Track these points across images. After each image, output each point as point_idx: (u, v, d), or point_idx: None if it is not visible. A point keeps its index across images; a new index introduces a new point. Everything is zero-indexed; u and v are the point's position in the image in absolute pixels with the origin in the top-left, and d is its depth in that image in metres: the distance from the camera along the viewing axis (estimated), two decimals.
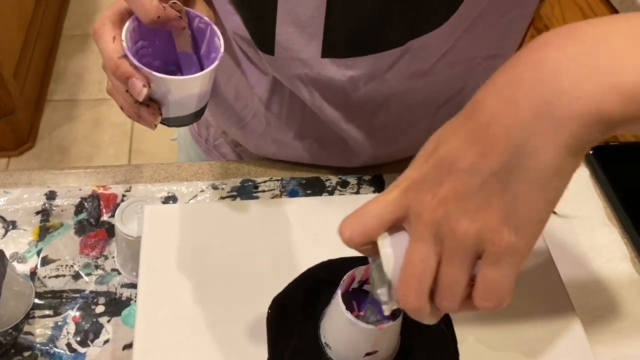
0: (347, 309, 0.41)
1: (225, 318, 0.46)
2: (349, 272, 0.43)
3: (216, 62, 0.42)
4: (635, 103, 0.26)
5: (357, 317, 0.42)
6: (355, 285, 0.45)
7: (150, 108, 0.43)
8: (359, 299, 0.46)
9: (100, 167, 0.64)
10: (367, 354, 0.42)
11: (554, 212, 0.65)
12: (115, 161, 1.80)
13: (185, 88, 0.43)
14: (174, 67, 0.47)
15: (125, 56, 0.40)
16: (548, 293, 0.51)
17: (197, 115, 0.46)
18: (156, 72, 0.40)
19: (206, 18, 0.44)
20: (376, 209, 0.33)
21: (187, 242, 0.50)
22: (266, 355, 0.44)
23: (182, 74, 0.46)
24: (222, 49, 0.43)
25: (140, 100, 0.41)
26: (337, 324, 0.42)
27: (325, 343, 0.44)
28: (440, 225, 0.30)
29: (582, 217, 0.65)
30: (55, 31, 2.09)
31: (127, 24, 0.42)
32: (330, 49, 0.51)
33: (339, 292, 0.41)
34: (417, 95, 0.57)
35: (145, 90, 0.41)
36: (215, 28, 0.44)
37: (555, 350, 0.47)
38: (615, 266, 0.61)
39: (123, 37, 0.41)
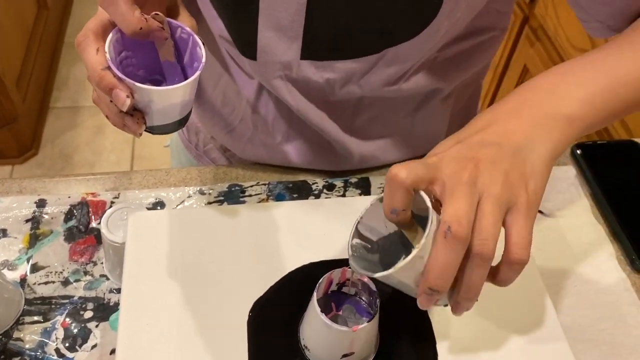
0: (325, 310, 0.41)
1: (208, 321, 0.47)
2: (326, 275, 0.43)
3: (198, 72, 0.43)
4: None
5: (335, 317, 0.43)
6: (334, 287, 0.46)
7: (134, 117, 0.44)
8: (338, 301, 0.46)
9: (90, 174, 0.65)
10: (344, 356, 0.42)
11: (540, 212, 0.66)
12: (117, 167, 1.81)
13: (168, 98, 0.44)
14: (159, 76, 0.48)
15: (109, 67, 0.41)
16: (528, 293, 0.51)
17: (181, 123, 0.47)
18: (140, 82, 0.41)
19: (188, 28, 0.45)
20: (420, 165, 0.38)
21: (171, 247, 0.51)
22: (247, 358, 0.45)
23: (166, 83, 0.47)
24: (203, 59, 0.44)
25: (124, 110, 0.42)
26: (314, 326, 0.43)
27: (304, 345, 0.45)
28: (480, 182, 0.37)
29: (568, 215, 0.66)
30: (57, 39, 2.11)
31: (110, 35, 0.42)
32: (309, 52, 0.52)
33: (314, 294, 0.42)
34: (394, 98, 0.58)
35: (128, 101, 0.42)
36: (197, 38, 0.45)
37: (533, 349, 0.48)
38: (600, 264, 0.62)
39: (106, 49, 0.42)
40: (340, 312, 0.46)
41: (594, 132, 0.97)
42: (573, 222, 0.65)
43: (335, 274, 0.44)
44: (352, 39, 0.51)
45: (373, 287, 0.43)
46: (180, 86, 0.43)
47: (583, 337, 0.56)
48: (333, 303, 0.46)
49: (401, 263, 0.35)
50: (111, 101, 0.43)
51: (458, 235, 0.35)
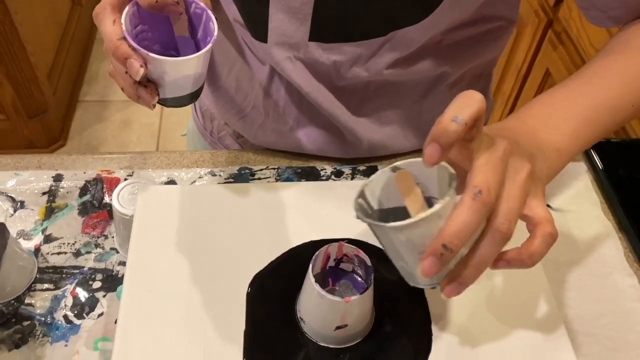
0: (322, 286, 0.42)
1: (208, 293, 0.48)
2: (323, 248, 0.44)
3: (210, 45, 0.45)
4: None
5: (331, 291, 0.44)
6: (332, 263, 0.47)
7: (148, 88, 0.46)
8: (336, 277, 0.47)
9: (107, 153, 0.67)
10: (338, 327, 0.43)
11: (549, 206, 0.65)
12: None
13: (181, 69, 0.45)
14: (174, 52, 0.50)
15: (125, 38, 0.43)
16: (528, 283, 0.51)
17: (193, 96, 0.48)
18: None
19: (202, 4, 0.46)
20: None
21: (178, 221, 0.53)
22: (244, 328, 0.46)
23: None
24: (215, 32, 0.45)
25: (138, 80, 0.44)
26: (309, 297, 0.43)
27: (300, 317, 0.46)
28: (510, 164, 0.38)
29: (577, 211, 0.65)
30: (89, 35, 2.17)
31: (127, 8, 0.44)
32: (317, 34, 0.53)
33: (310, 266, 0.43)
34: (401, 83, 0.58)
35: (142, 70, 0.43)
36: (211, 13, 0.46)
37: (530, 335, 0.48)
38: (607, 260, 0.61)
39: (122, 20, 0.43)
40: (337, 287, 0.47)
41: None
42: (582, 217, 0.65)
43: (332, 248, 0.45)
44: (358, 22, 0.52)
45: (369, 262, 0.43)
46: (192, 57, 0.44)
47: (585, 331, 0.56)
48: (330, 278, 0.47)
49: (422, 214, 0.34)
50: (126, 72, 0.44)
51: (486, 200, 0.35)
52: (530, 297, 0.50)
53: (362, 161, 0.67)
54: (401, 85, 0.59)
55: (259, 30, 0.54)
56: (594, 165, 0.68)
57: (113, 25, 0.44)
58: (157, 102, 0.47)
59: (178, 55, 0.49)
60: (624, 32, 0.53)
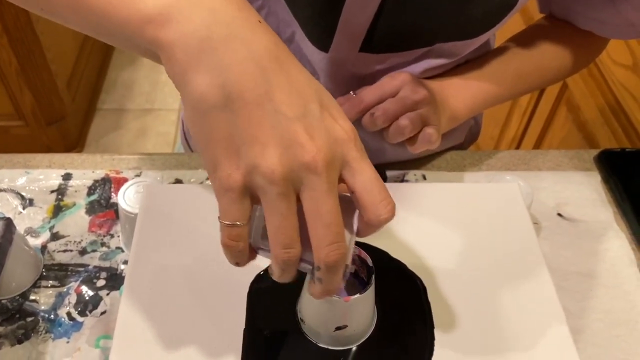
0: None
1: (210, 290, 0.48)
2: None
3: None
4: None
5: None
6: None
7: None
8: None
9: (116, 154, 0.68)
10: (338, 328, 0.42)
11: (560, 215, 0.64)
12: None
13: None
14: None
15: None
16: (536, 293, 0.50)
17: None
18: None
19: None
20: None
21: (181, 219, 0.53)
22: (243, 326, 0.45)
23: None
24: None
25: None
26: (309, 297, 0.43)
27: (300, 318, 0.45)
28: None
29: (590, 221, 0.64)
30: (108, 45, 2.20)
31: None
32: (368, 46, 0.54)
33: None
34: None
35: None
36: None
37: (537, 347, 0.46)
38: (620, 271, 0.60)
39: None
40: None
41: (622, 138, 0.94)
42: (595, 227, 0.63)
43: None
44: (411, 35, 0.53)
45: (370, 262, 0.43)
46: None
47: (595, 342, 0.54)
48: None
49: None
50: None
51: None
52: (537, 305, 0.49)
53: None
54: None
55: (324, 39, 0.54)
56: (608, 175, 0.67)
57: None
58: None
59: None
60: (540, 28, 0.66)
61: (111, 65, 2.18)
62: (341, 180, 0.33)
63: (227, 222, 0.33)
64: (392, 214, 0.33)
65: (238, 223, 0.33)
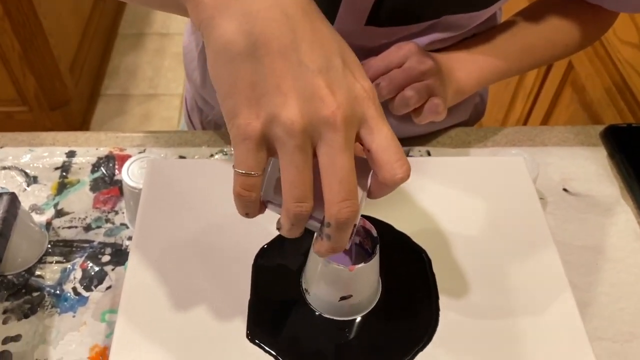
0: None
1: (214, 263, 0.48)
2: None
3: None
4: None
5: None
6: None
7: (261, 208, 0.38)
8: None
9: (119, 132, 0.68)
10: (342, 298, 0.42)
11: (565, 190, 0.64)
12: None
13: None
14: None
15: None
16: (542, 266, 0.50)
17: None
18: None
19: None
20: None
21: (185, 193, 0.52)
22: (249, 297, 0.46)
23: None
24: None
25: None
26: (314, 267, 0.43)
27: (305, 289, 0.45)
28: None
29: (596, 196, 0.64)
30: (111, 30, 2.20)
31: None
32: (374, 19, 0.53)
33: (315, 235, 0.42)
34: None
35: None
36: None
37: (543, 319, 0.46)
38: (625, 245, 0.59)
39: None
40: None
41: (628, 117, 0.93)
42: (601, 202, 0.63)
43: None
44: (418, 7, 0.53)
45: (375, 233, 0.43)
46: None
47: (601, 315, 0.54)
48: None
49: None
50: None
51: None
52: (542, 277, 0.49)
53: None
54: None
55: (329, 13, 0.53)
56: (614, 150, 0.67)
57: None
58: None
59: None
60: (548, 2, 0.65)
61: (114, 50, 2.18)
62: (358, 139, 0.33)
63: (241, 171, 0.32)
64: (407, 174, 0.33)
65: (252, 173, 0.32)
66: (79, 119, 1.88)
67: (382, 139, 0.32)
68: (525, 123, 1.44)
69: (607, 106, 1.09)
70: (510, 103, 1.51)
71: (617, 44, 1.09)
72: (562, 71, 1.31)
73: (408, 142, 0.67)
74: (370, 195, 0.36)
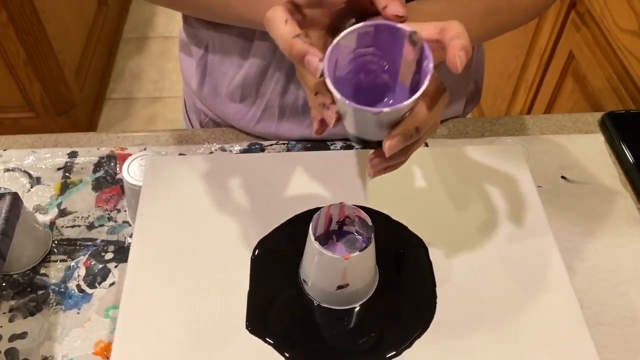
0: (325, 245, 0.42)
1: (214, 256, 0.49)
2: (324, 208, 0.44)
3: (387, 109, 0.36)
4: None
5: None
6: (334, 226, 0.47)
7: (329, 110, 0.40)
8: (339, 238, 0.47)
9: (120, 132, 0.69)
10: (339, 287, 0.43)
11: (564, 177, 0.64)
12: None
13: (359, 117, 0.38)
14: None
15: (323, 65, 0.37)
16: (539, 252, 0.50)
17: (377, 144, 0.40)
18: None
19: (431, 65, 0.38)
20: None
21: (185, 188, 0.53)
22: (247, 289, 0.46)
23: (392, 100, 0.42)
24: (420, 91, 0.37)
25: (317, 76, 0.38)
26: (311, 257, 0.43)
27: (303, 280, 0.46)
28: None
29: (594, 183, 0.64)
30: (115, 34, 2.21)
31: (355, 27, 0.38)
32: None
33: (311, 226, 0.43)
34: None
35: (320, 66, 0.38)
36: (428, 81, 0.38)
37: (540, 305, 0.47)
38: (624, 231, 0.59)
39: (343, 34, 0.38)
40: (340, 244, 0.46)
41: (629, 105, 0.93)
42: (599, 188, 0.63)
43: (334, 209, 0.45)
44: None
45: (369, 222, 0.43)
46: (367, 111, 0.36)
47: (600, 300, 0.54)
48: (331, 240, 0.47)
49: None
50: (316, 94, 0.40)
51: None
52: (540, 264, 0.49)
53: None
54: None
55: None
56: (612, 136, 0.67)
57: (285, 25, 0.38)
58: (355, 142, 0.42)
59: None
60: None
61: (118, 54, 2.19)
62: None
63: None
64: None
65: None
66: (85, 123, 1.89)
67: None
68: (528, 114, 1.44)
69: (609, 95, 1.08)
70: (512, 95, 1.51)
71: (617, 32, 1.09)
72: (563, 61, 1.31)
73: None
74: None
